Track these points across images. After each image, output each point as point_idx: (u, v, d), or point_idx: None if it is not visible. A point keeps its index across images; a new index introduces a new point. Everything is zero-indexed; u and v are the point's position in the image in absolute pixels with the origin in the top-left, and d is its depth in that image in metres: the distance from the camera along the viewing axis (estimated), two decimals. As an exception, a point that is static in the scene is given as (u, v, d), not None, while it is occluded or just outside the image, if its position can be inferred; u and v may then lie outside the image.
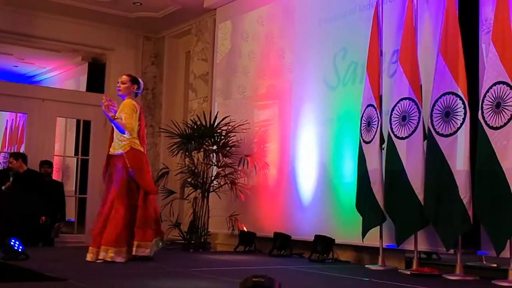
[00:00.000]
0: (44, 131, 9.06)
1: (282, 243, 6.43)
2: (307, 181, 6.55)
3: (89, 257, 5.27)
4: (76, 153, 9.61)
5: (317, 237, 5.99)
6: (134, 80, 5.72)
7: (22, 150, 10.14)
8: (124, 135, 5.46)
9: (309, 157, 6.58)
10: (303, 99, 6.78)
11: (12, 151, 10.59)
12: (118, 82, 5.69)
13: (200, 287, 3.88)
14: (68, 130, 9.83)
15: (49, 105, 9.15)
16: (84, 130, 9.48)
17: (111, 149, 5.55)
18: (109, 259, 5.21)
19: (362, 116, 5.49)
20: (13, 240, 5.12)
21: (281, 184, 6.93)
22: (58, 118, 9.39)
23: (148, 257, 5.39)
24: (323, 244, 5.89)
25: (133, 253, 5.33)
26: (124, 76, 5.74)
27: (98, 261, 5.22)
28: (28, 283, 3.72)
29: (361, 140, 5.46)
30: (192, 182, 7.28)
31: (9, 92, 8.86)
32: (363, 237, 5.33)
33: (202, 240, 7.24)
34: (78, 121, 9.70)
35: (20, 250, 5.09)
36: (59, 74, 11.70)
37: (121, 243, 5.29)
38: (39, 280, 3.94)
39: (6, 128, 11.89)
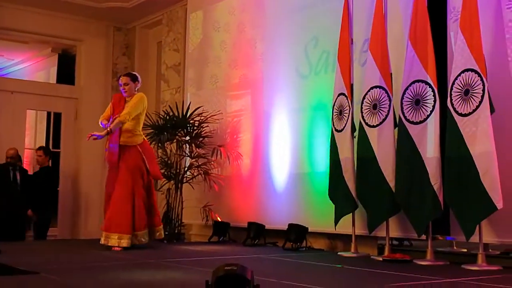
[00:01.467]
0: (14, 124, 8.93)
1: (256, 233, 6.45)
2: (280, 170, 6.57)
3: (102, 240, 5.72)
4: (47, 145, 9.48)
5: (291, 225, 6.02)
6: (134, 78, 6.09)
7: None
8: (137, 129, 5.96)
9: (282, 147, 6.59)
10: (276, 89, 6.78)
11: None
12: (121, 85, 6.03)
13: (173, 278, 3.88)
14: (38, 123, 9.71)
15: (18, 98, 9.02)
16: (54, 122, 9.37)
17: (122, 140, 5.90)
18: (116, 245, 5.65)
19: (333, 105, 5.52)
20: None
21: (254, 174, 6.94)
22: (28, 111, 9.27)
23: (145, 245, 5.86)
24: (296, 233, 5.92)
25: (155, 237, 5.99)
26: (124, 78, 6.04)
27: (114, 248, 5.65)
28: (0, 277, 3.68)
29: (333, 129, 5.50)
30: (165, 173, 7.24)
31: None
32: (335, 225, 5.37)
33: (176, 231, 7.22)
34: (48, 114, 9.58)
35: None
36: (29, 66, 11.53)
37: (128, 229, 5.72)
38: (11, 274, 3.90)
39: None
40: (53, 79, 10.37)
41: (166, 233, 7.10)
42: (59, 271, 4.02)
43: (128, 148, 5.94)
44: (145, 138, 6.20)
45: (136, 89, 6.11)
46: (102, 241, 5.72)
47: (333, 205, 5.45)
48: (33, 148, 9.22)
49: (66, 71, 9.89)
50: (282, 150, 6.60)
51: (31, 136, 9.69)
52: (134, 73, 6.21)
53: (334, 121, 5.50)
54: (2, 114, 8.93)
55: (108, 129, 5.81)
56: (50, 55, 10.56)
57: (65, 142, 9.30)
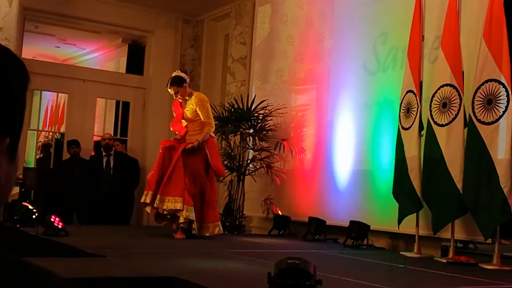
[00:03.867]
0: (84, 112, 9.21)
1: (317, 228, 6.43)
2: (343, 166, 6.53)
3: (146, 199, 5.72)
4: (115, 134, 9.74)
5: (352, 222, 5.97)
6: (179, 83, 5.97)
7: (62, 130, 10.35)
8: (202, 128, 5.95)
9: (346, 143, 6.55)
10: (342, 84, 6.73)
11: (52, 129, 10.80)
12: (173, 95, 6.01)
13: (235, 268, 3.91)
14: (107, 111, 9.96)
15: (89, 86, 9.29)
16: (123, 111, 9.60)
17: (188, 138, 5.96)
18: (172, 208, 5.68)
19: (401, 102, 5.42)
20: (53, 217, 5.24)
21: (316, 169, 6.92)
22: (98, 99, 9.53)
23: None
24: (358, 230, 5.88)
25: (215, 232, 5.92)
26: (171, 89, 5.97)
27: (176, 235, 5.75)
28: (68, 258, 3.80)
29: (400, 126, 5.40)
30: (228, 165, 7.32)
31: (51, 72, 9.02)
32: (398, 224, 5.29)
33: (237, 222, 7.31)
34: (117, 102, 9.82)
35: (60, 226, 5.22)
36: (100, 55, 11.84)
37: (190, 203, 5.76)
38: (79, 256, 4.01)
39: (47, 108, 12.12)
40: (122, 69, 10.61)
41: (227, 224, 7.19)
42: (125, 255, 4.12)
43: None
44: (212, 134, 6.11)
45: (188, 86, 6.04)
46: (156, 204, 5.72)
47: (397, 204, 5.36)
48: (101, 135, 9.46)
49: (135, 62, 10.10)
50: (345, 146, 6.55)
51: (100, 124, 9.95)
52: (176, 75, 6.05)
53: (401, 118, 5.41)
54: (74, 101, 9.22)
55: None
56: (121, 45, 10.80)
57: (132, 130, 9.52)
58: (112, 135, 8.85)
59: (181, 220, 5.74)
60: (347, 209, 6.32)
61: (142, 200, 5.87)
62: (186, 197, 5.73)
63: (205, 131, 5.94)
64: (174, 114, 6.20)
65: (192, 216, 5.74)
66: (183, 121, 6.08)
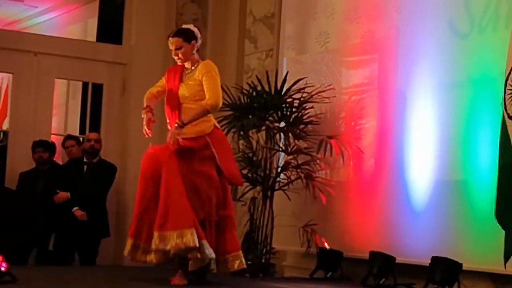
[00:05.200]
0: (37, 100, 9.22)
1: (382, 268, 6.40)
2: (420, 176, 6.50)
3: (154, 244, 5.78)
4: (82, 131, 9.75)
5: (436, 260, 5.94)
6: (188, 37, 6.07)
7: (4, 127, 10.38)
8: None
9: (423, 141, 6.52)
10: (416, 53, 6.70)
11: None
12: (173, 50, 6.08)
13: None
14: (71, 98, 9.98)
15: (44, 62, 9.31)
16: (93, 97, 9.61)
17: (184, 131, 5.89)
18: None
19: (506, 80, 5.36)
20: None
21: (380, 180, 6.90)
22: (57, 80, 9.55)
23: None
24: (444, 271, 5.86)
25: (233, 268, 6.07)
26: (174, 39, 6.07)
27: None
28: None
29: (505, 115, 5.34)
30: (249, 175, 7.31)
31: (-14, 42, 9.07)
32: (505, 262, 5.23)
33: (263, 260, 7.29)
34: (85, 85, 9.83)
35: (2, 269, 5.22)
36: (58, 16, 11.88)
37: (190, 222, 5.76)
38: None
39: (-18, 95, 12.19)
40: (92, 35, 10.63)
41: (249, 262, 7.15)
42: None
43: (193, 140, 6.00)
44: (217, 125, 6.22)
45: (195, 50, 6.12)
46: (155, 245, 5.75)
47: (503, 231, 5.30)
48: (62, 134, 9.50)
49: (110, 25, 10.11)
50: (423, 145, 6.52)
51: (60, 117, 9.97)
52: (187, 27, 6.22)
53: (507, 103, 5.34)
54: (21, 85, 9.24)
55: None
56: (88, 1, 10.83)
57: (107, 125, 9.52)
58: (99, 135, 8.84)
59: (192, 265, 5.78)
60: (427, 239, 6.29)
61: (126, 253, 5.96)
62: (198, 228, 5.75)
63: (203, 104, 5.89)
64: (167, 88, 6.20)
65: (210, 252, 5.78)
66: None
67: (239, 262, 6.03)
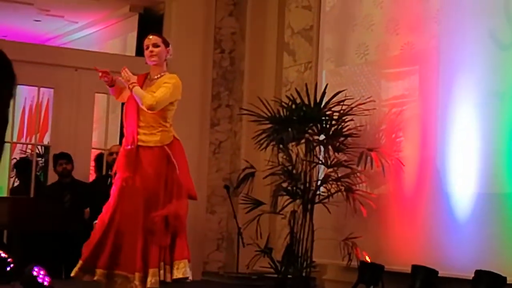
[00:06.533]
0: (78, 114, 9.30)
1: (425, 282, 6.35)
2: (463, 189, 6.45)
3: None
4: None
5: (479, 273, 5.86)
6: (167, 42, 6.33)
7: (46, 140, 10.47)
8: (163, 122, 6.08)
9: (467, 153, 6.46)
10: (457, 64, 6.65)
11: (32, 141, 10.96)
12: (148, 47, 6.21)
13: None
14: (111, 112, 10.04)
15: (84, 77, 9.38)
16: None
17: (141, 138, 6.01)
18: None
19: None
20: (36, 269, 5.26)
21: (422, 193, 6.85)
22: (97, 95, 9.61)
23: None
24: (488, 285, 5.79)
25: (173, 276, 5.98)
26: (153, 36, 6.29)
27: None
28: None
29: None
30: (289, 188, 7.29)
31: (28, 58, 9.12)
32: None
33: (304, 274, 7.25)
34: (124, 99, 9.86)
35: (46, 283, 5.23)
36: (98, 31, 11.98)
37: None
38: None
39: (24, 110, 12.32)
40: (131, 49, 10.69)
41: (289, 276, 7.13)
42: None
43: (150, 151, 6.03)
44: (176, 136, 6.21)
45: (166, 59, 6.31)
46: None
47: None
48: (102, 148, 9.54)
49: (149, 39, 10.15)
50: (466, 157, 6.47)
51: (101, 131, 10.03)
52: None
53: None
54: (62, 100, 9.32)
55: (130, 85, 6.01)
56: (128, 15, 10.89)
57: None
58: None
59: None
60: (471, 252, 6.24)
61: None
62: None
63: (144, 95, 5.97)
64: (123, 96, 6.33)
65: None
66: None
67: (186, 269, 6.09)
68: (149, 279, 5.82)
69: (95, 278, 5.90)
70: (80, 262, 5.92)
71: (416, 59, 7.13)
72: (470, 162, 6.41)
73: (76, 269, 5.92)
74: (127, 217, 5.94)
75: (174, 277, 5.96)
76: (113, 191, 6.07)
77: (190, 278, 6.05)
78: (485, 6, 6.43)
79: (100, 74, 6.19)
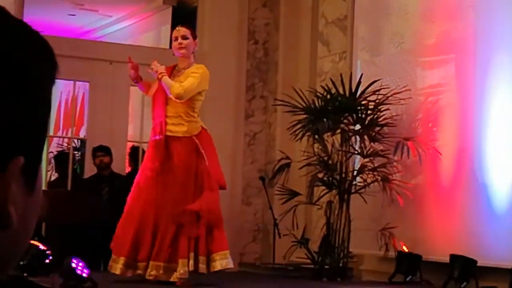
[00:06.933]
0: (113, 107, 9.34)
1: (464, 271, 6.33)
2: (502, 178, 6.40)
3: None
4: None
5: (519, 263, 5.81)
6: (195, 34, 6.44)
7: (82, 133, 10.54)
8: (191, 113, 6.13)
9: (504, 141, 6.42)
10: (494, 52, 6.62)
11: (68, 135, 11.04)
12: (177, 39, 6.28)
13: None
14: (146, 105, 10.06)
15: (119, 70, 9.39)
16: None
17: (169, 128, 6.08)
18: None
19: None
20: (75, 261, 5.30)
21: (460, 182, 6.82)
22: (132, 88, 9.63)
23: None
24: (528, 275, 5.72)
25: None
26: (183, 29, 6.33)
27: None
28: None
29: None
30: (325, 179, 7.30)
31: (63, 51, 9.12)
32: None
33: (341, 264, 7.26)
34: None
35: (85, 275, 5.27)
36: (132, 24, 12.02)
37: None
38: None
39: (60, 104, 12.42)
40: (165, 42, 10.69)
41: (326, 266, 7.12)
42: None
43: (178, 141, 6.08)
44: (204, 127, 6.27)
45: (193, 51, 6.38)
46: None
47: None
48: (138, 141, 9.59)
49: (183, 31, 10.17)
50: (504, 146, 6.43)
51: (136, 124, 10.07)
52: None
53: None
54: (98, 93, 9.37)
55: (160, 75, 6.09)
56: (161, 8, 10.91)
57: (181, 132, 9.58)
58: None
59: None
60: (510, 242, 6.18)
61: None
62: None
63: (173, 84, 6.05)
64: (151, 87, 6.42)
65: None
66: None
67: (226, 261, 6.19)
68: (178, 269, 5.86)
69: (139, 272, 5.96)
70: (123, 258, 5.96)
71: (452, 47, 7.10)
72: (508, 151, 6.37)
73: (120, 266, 5.96)
74: (159, 208, 5.98)
75: (214, 269, 6.01)
76: (141, 181, 6.11)
77: (232, 266, 6.19)
78: (522, -7, 6.38)
79: (130, 65, 6.29)
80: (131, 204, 6.08)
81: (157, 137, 6.07)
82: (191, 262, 5.91)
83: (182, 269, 5.86)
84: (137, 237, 5.98)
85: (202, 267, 5.98)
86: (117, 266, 5.96)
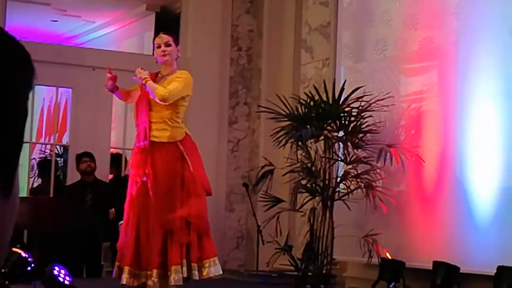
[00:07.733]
0: (96, 113, 9.31)
1: (446, 278, 6.32)
2: (484, 183, 6.41)
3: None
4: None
5: (502, 270, 5.85)
6: (177, 40, 6.41)
7: (65, 140, 10.51)
8: (175, 118, 6.07)
9: (487, 147, 6.43)
10: (477, 59, 6.62)
11: (50, 141, 10.99)
12: (159, 46, 6.22)
13: None
14: (129, 111, 10.04)
15: (102, 76, 9.34)
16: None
17: (154, 134, 6.02)
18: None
19: None
20: (57, 268, 5.28)
21: (442, 188, 6.83)
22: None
23: None
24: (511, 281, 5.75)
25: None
26: (164, 35, 6.28)
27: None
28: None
29: None
30: (308, 185, 7.28)
31: (45, 58, 9.12)
32: None
33: (324, 271, 7.24)
34: (142, 98, 9.88)
35: (67, 282, 5.25)
36: (115, 31, 12.01)
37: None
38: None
39: (42, 110, 12.36)
40: (148, 48, 10.67)
41: (310, 274, 7.12)
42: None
43: (163, 147, 6.05)
44: (188, 132, 6.25)
45: (176, 58, 6.35)
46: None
47: None
48: (121, 147, 9.56)
49: (166, 38, 10.16)
50: (486, 152, 6.44)
51: (119, 131, 10.05)
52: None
53: None
54: (80, 99, 9.34)
55: (144, 81, 6.00)
56: (145, 14, 10.92)
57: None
58: None
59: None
60: (492, 248, 6.22)
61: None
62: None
63: (158, 88, 5.98)
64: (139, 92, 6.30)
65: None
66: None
67: (216, 267, 6.16)
68: (172, 276, 5.83)
69: (143, 280, 5.93)
70: (127, 268, 5.94)
71: (435, 54, 7.11)
72: (491, 157, 6.38)
73: (125, 275, 5.92)
74: (148, 215, 5.96)
75: (206, 276, 6.01)
76: (131, 189, 6.09)
77: (221, 273, 6.19)
78: (505, 1, 6.41)
79: (109, 75, 6.27)
80: (128, 212, 6.06)
81: (142, 143, 6.05)
82: (184, 269, 5.89)
83: (176, 276, 5.84)
84: (138, 246, 5.96)
85: (195, 274, 5.97)
86: (123, 276, 5.93)
